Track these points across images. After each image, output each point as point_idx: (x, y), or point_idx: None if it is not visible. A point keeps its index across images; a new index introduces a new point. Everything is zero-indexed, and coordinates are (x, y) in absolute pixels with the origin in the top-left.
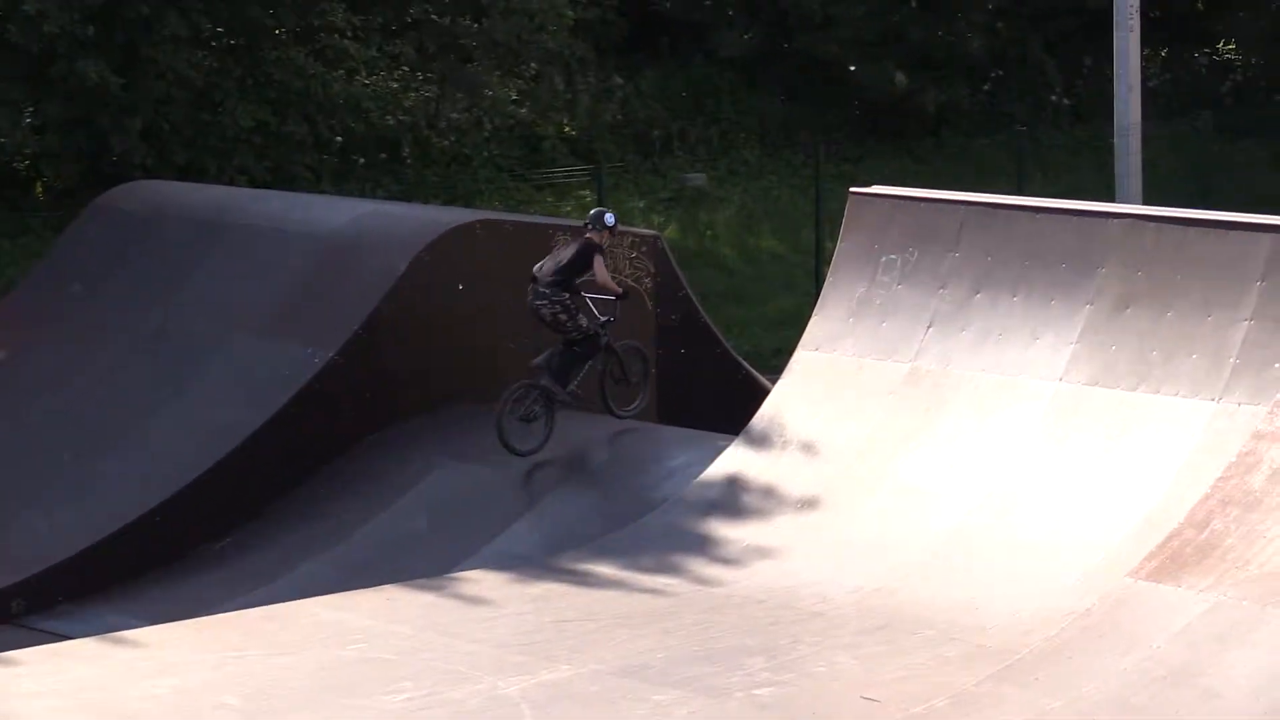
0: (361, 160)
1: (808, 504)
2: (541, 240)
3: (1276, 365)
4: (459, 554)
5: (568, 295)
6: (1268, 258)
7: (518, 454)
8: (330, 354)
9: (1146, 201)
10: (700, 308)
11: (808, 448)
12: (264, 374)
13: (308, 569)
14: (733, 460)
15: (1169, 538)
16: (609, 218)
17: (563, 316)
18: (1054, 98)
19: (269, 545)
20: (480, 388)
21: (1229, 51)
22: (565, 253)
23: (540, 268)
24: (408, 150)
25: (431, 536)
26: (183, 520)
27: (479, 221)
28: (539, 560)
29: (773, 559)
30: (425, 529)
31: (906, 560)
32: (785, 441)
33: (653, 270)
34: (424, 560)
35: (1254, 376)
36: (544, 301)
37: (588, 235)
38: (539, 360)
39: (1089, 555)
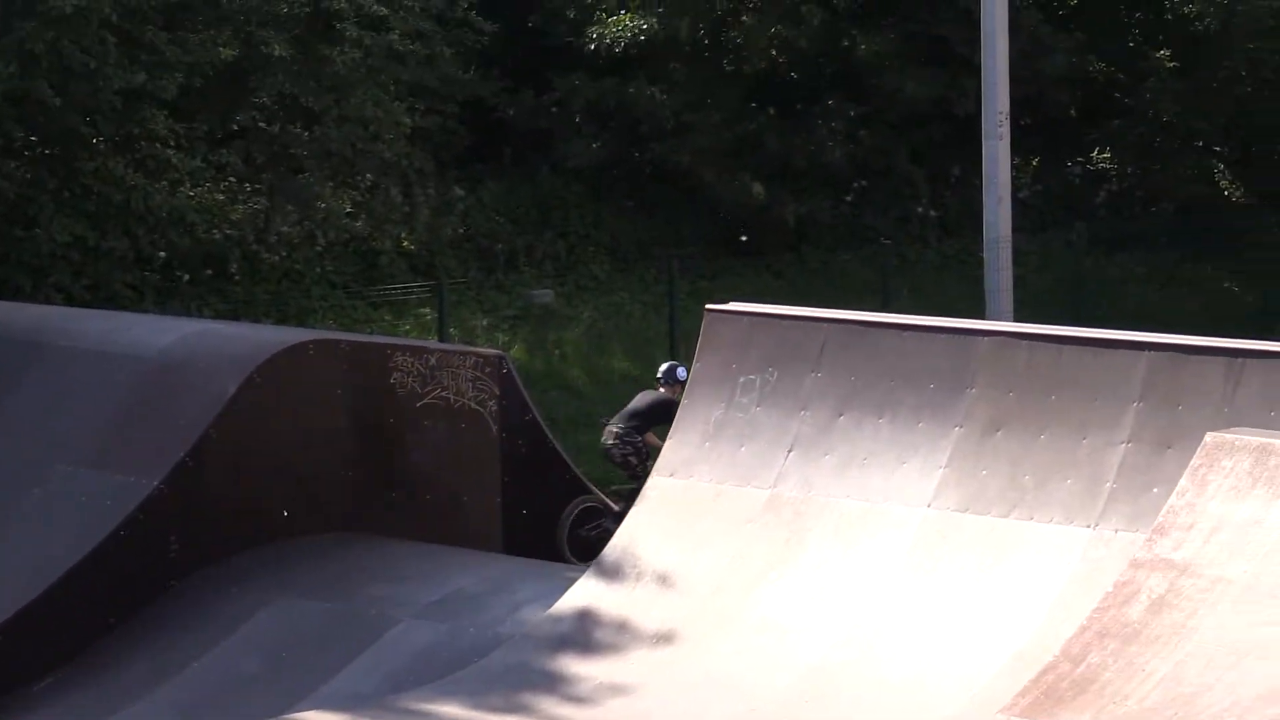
0: (187, 277)
1: (663, 639)
2: (379, 360)
3: (1155, 490)
4: (295, 695)
5: (640, 440)
6: (1145, 377)
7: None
8: (155, 483)
9: (1018, 318)
10: (549, 432)
11: (663, 579)
12: (85, 505)
13: (132, 712)
14: (584, 593)
15: (1043, 672)
16: (680, 372)
17: (633, 459)
18: (920, 209)
19: (90, 687)
20: (317, 517)
21: (1103, 161)
22: (641, 401)
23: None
24: (236, 266)
25: (265, 676)
26: None
27: (312, 341)
28: (380, 700)
29: (626, 697)
30: (259, 668)
31: (766, 699)
32: (639, 573)
33: (497, 393)
34: (257, 702)
35: (1131, 502)
36: (617, 443)
37: (661, 389)
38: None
39: (959, 693)
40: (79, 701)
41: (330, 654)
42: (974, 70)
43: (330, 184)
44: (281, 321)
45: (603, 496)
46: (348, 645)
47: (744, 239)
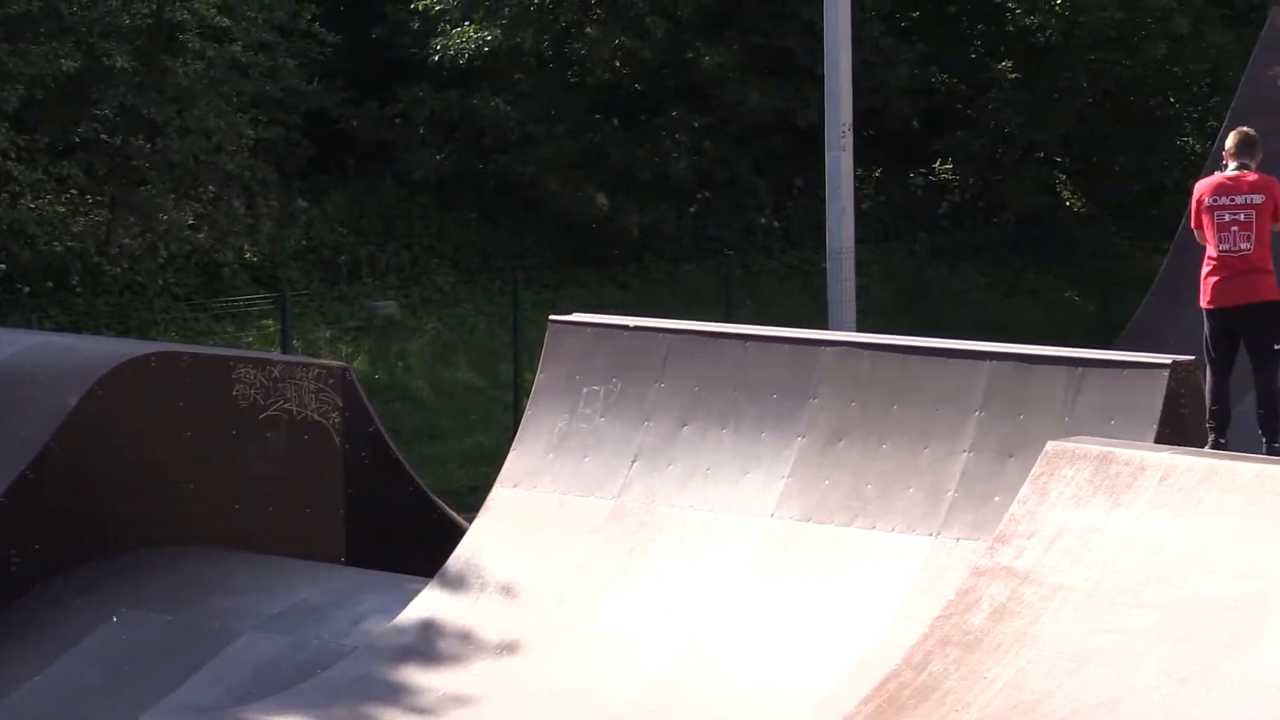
0: (27, 289)
1: (507, 650)
2: (222, 372)
3: (996, 499)
4: (136, 708)
5: None
6: (987, 387)
7: None
8: None
9: (861, 328)
10: (392, 444)
11: (507, 590)
12: None
13: None
14: (427, 604)
15: (885, 681)
16: None
17: None
18: (764, 220)
19: None
20: (159, 531)
21: (945, 172)
22: None
23: None
24: (77, 278)
25: (106, 690)
26: None
27: (154, 354)
28: (224, 713)
29: (470, 708)
30: (100, 681)
31: (611, 709)
32: (483, 583)
33: (340, 404)
34: (98, 715)
35: (973, 511)
36: None
37: None
38: None
39: (802, 701)
40: None
41: (172, 666)
42: (817, 82)
43: (173, 196)
44: (123, 334)
45: (445, 508)
46: (190, 657)
47: (587, 250)
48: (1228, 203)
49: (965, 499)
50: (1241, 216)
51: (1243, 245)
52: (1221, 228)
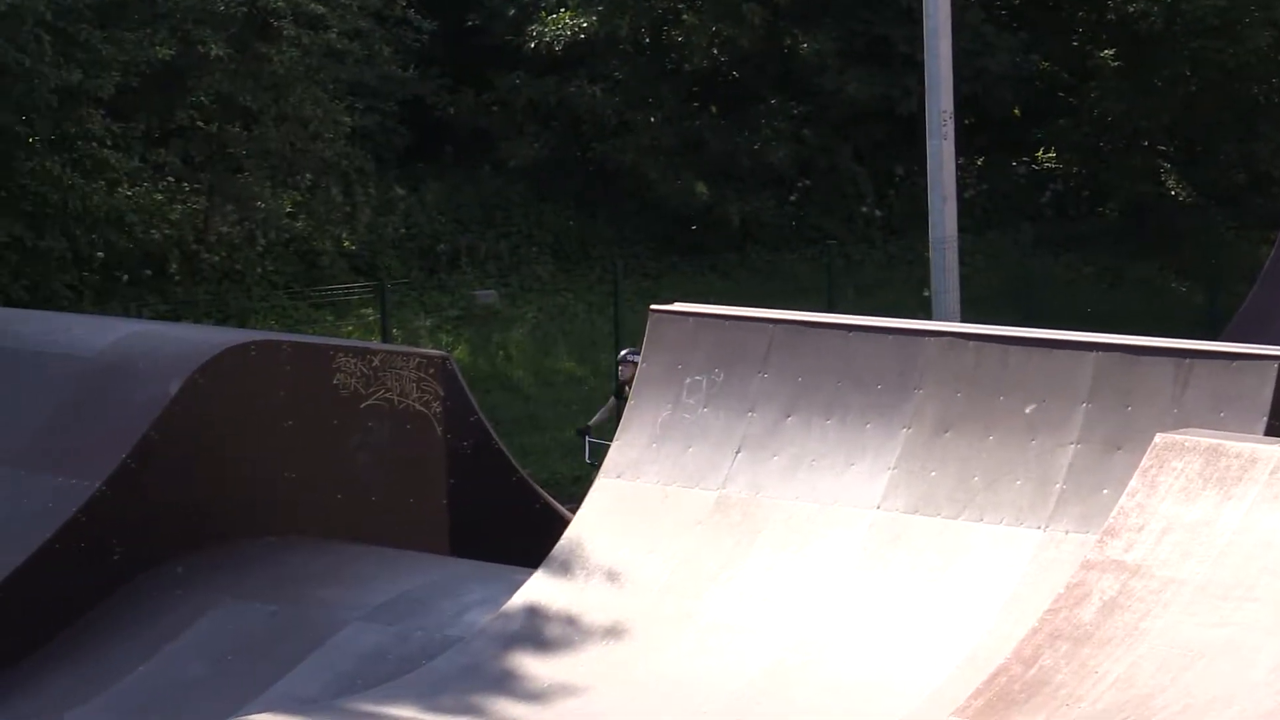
0: (125, 277)
1: (614, 639)
2: (322, 362)
3: (1105, 491)
4: (241, 698)
5: None
6: (1093, 377)
7: None
8: (96, 485)
9: (965, 318)
10: (494, 433)
11: (613, 579)
12: (23, 509)
13: (74, 717)
14: (533, 593)
15: (995, 675)
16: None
17: None
18: (865, 209)
19: (32, 693)
20: (261, 521)
21: (1049, 161)
22: None
23: None
24: (175, 266)
25: (211, 680)
26: None
27: (254, 342)
28: (328, 703)
29: (578, 697)
30: (204, 672)
31: (719, 701)
32: (589, 573)
33: (442, 394)
34: (203, 706)
35: (1081, 503)
36: None
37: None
38: None
39: (912, 695)
40: (19, 707)
41: (277, 657)
42: (917, 69)
43: (269, 184)
44: (222, 322)
45: (548, 498)
46: (294, 648)
47: (687, 238)
48: None
49: (1073, 491)
50: None
51: None
52: None
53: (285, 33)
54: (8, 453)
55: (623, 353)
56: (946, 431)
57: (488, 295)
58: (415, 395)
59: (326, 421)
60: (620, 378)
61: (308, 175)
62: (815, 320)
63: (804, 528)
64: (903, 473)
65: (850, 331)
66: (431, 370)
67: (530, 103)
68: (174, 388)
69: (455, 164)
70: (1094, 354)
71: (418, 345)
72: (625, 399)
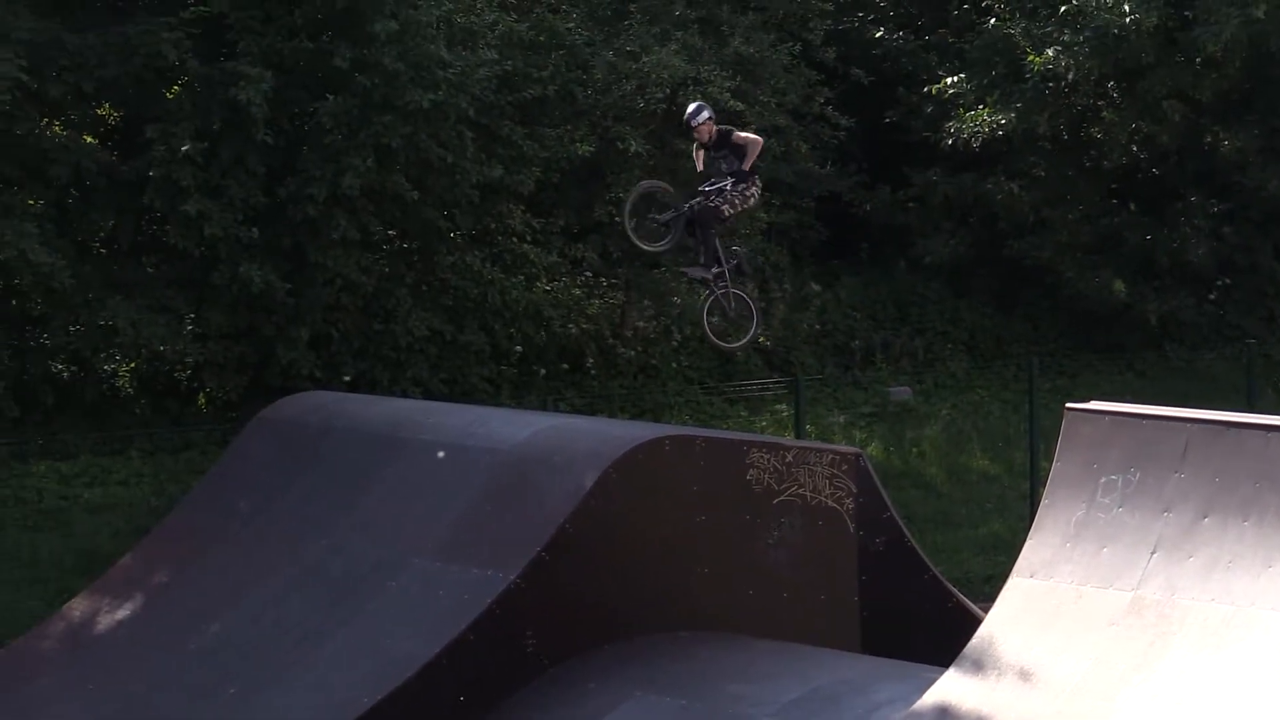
0: (543, 371)
1: None
2: (736, 457)
3: None
4: None
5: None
6: None
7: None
8: (511, 577)
9: None
10: (906, 531)
11: (1024, 679)
12: (439, 599)
13: None
14: (944, 692)
15: None
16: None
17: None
18: None
19: None
20: (673, 615)
21: None
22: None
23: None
24: (591, 360)
25: None
26: None
27: (669, 437)
28: None
29: None
30: None
31: None
32: (1000, 672)
33: (854, 490)
34: None
35: None
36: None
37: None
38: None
39: None
40: None
41: None
42: None
43: (685, 280)
44: (637, 416)
45: (960, 597)
46: None
47: (1103, 336)
48: None
49: None
50: None
51: None
52: None
53: None
54: (427, 545)
55: (700, 114)
56: None
57: (902, 392)
58: (828, 492)
59: (739, 517)
60: (696, 138)
61: None
62: (1234, 420)
63: (1221, 631)
64: None
65: (1270, 432)
66: (845, 467)
67: (947, 199)
68: (589, 481)
69: (871, 260)
70: None
71: (831, 441)
72: (705, 148)
